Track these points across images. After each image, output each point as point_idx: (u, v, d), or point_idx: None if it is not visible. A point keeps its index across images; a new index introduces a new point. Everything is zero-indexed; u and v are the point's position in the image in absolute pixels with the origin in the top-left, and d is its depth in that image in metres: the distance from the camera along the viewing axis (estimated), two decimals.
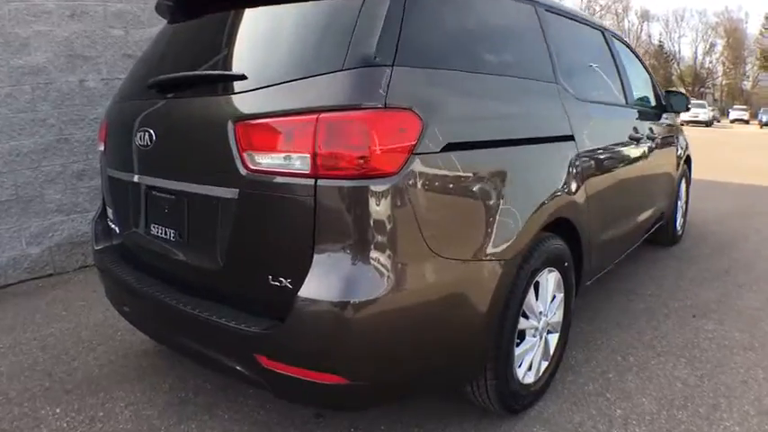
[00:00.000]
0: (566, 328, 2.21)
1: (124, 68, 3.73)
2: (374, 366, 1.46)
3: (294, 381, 1.46)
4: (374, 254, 1.38)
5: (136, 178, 1.89)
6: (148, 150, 1.78)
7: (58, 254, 3.63)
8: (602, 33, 3.04)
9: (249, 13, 1.76)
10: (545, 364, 2.09)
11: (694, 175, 4.92)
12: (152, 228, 1.85)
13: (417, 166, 1.42)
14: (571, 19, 2.58)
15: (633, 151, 2.87)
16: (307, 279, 1.39)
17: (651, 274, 3.65)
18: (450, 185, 1.52)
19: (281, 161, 1.41)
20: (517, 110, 1.91)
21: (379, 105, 1.37)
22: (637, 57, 3.62)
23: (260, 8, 1.74)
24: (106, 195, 2.19)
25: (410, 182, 1.40)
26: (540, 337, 2.02)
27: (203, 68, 1.75)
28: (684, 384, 2.23)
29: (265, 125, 1.45)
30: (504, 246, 1.66)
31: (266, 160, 1.44)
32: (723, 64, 60.97)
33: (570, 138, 2.13)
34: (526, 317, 1.90)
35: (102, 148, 2.17)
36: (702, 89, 58.57)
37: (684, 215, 4.58)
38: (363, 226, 1.36)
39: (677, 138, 4.00)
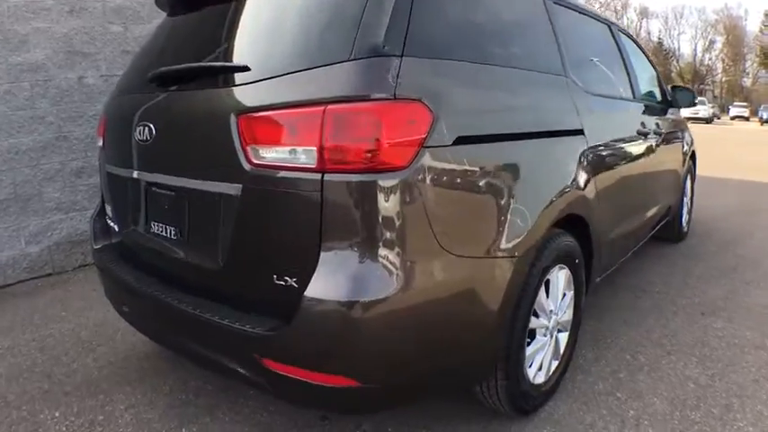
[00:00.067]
0: (576, 326, 2.17)
1: (123, 65, 3.69)
2: (384, 368, 1.41)
3: (300, 384, 1.41)
4: (383, 251, 1.33)
5: (135, 174, 1.84)
6: (148, 145, 1.73)
7: (57, 253, 3.59)
8: (609, 27, 3.00)
9: (252, 3, 1.71)
10: (555, 364, 2.04)
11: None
12: (152, 225, 1.80)
13: (427, 160, 1.37)
14: (578, 12, 2.54)
15: (641, 146, 2.83)
16: (313, 278, 1.34)
17: (657, 270, 3.62)
18: (461, 180, 1.47)
19: (287, 155, 1.36)
20: (527, 103, 1.86)
21: (389, 97, 1.32)
22: (642, 51, 3.58)
23: None
24: (105, 192, 2.14)
25: (420, 176, 1.35)
26: (551, 336, 1.98)
27: (205, 60, 1.70)
28: (696, 384, 2.19)
29: (269, 118, 1.40)
30: (517, 242, 1.61)
31: (271, 154, 1.39)
32: (723, 61, 60.96)
33: (580, 132, 2.09)
34: (537, 315, 1.86)
35: (100, 143, 2.12)
36: (702, 86, 58.52)
37: (690, 211, 4.54)
38: (372, 222, 1.31)
39: (683, 133, 3.96)
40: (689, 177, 4.30)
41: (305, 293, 1.34)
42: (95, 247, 2.15)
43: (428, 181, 1.38)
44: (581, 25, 2.55)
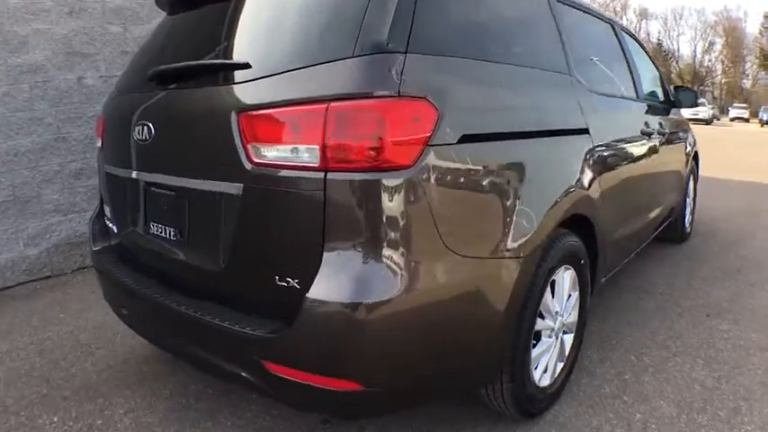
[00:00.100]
0: (581, 327, 2.14)
1: (122, 65, 3.66)
2: (388, 371, 1.38)
3: (302, 387, 1.38)
4: (387, 252, 1.30)
5: (134, 174, 1.81)
6: (147, 145, 1.70)
7: (55, 255, 3.56)
8: (612, 26, 2.99)
9: (252, 0, 1.69)
10: (560, 366, 2.02)
11: None
12: (151, 226, 1.78)
13: (433, 158, 1.34)
14: (582, 11, 2.52)
15: (645, 146, 2.81)
16: (316, 279, 1.31)
17: (661, 271, 3.59)
18: (466, 179, 1.45)
19: (288, 153, 1.34)
20: (532, 101, 1.83)
21: (393, 94, 1.29)
22: (645, 51, 3.56)
23: None
24: (104, 193, 2.12)
25: (425, 175, 1.33)
26: (557, 338, 1.95)
27: (206, 58, 1.68)
28: (703, 386, 2.16)
29: (271, 116, 1.37)
30: (523, 242, 1.58)
31: (272, 153, 1.36)
32: (722, 62, 61.02)
33: (585, 131, 2.07)
34: (542, 317, 1.83)
35: (99, 144, 2.09)
36: (702, 87, 58.51)
37: (693, 212, 4.52)
38: (376, 222, 1.29)
39: (686, 133, 3.94)
40: (692, 178, 4.28)
41: (307, 295, 1.31)
42: (94, 248, 2.12)
43: (433, 180, 1.35)
44: (585, 24, 2.54)
